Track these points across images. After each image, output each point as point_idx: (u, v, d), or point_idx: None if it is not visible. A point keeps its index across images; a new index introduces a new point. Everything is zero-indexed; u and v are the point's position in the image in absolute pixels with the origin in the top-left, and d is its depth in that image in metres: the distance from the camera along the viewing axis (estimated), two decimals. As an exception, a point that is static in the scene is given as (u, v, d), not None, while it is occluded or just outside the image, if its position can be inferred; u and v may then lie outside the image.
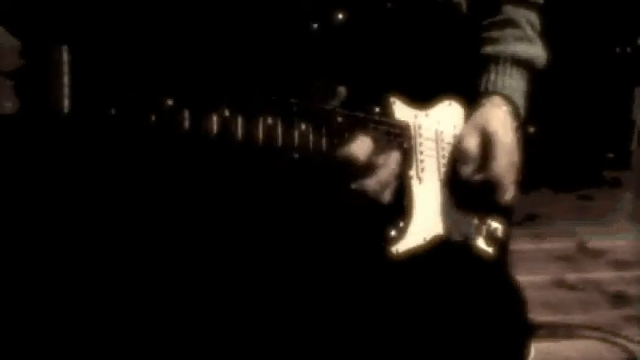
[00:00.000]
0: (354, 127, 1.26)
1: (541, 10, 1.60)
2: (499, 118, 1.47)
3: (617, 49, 4.45)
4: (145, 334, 1.28)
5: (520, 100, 1.53)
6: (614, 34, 4.44)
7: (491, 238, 1.51)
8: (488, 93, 1.51)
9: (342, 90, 1.27)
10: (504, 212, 1.54)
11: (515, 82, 1.52)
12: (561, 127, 4.32)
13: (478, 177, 1.43)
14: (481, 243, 1.50)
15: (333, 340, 1.36)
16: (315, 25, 1.30)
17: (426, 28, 1.47)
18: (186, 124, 1.05)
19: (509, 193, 1.46)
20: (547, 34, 1.61)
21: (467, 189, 1.45)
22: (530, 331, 1.56)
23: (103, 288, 1.27)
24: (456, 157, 1.45)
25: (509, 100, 1.50)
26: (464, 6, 1.54)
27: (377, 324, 1.37)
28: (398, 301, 1.39)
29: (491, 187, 1.43)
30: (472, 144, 1.44)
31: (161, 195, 1.27)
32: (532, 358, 1.54)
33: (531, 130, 1.66)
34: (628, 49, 4.44)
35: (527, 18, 1.57)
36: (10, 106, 0.91)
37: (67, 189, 1.24)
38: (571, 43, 4.08)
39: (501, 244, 1.54)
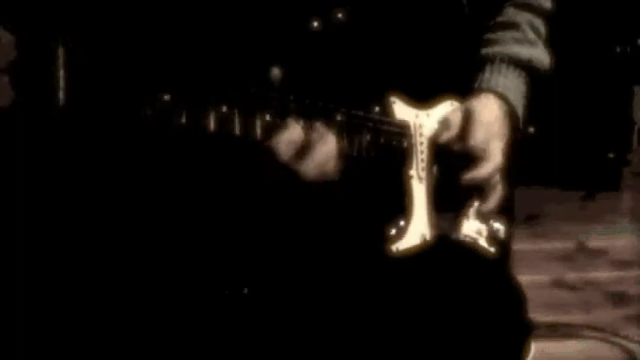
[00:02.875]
0: (353, 125, 1.26)
1: (547, 17, 1.60)
2: (484, 104, 1.48)
3: (617, 49, 4.44)
4: (140, 328, 1.28)
5: (515, 99, 1.52)
6: (614, 34, 4.44)
7: (493, 238, 1.51)
8: (481, 90, 1.51)
9: (276, 71, 1.26)
10: (505, 212, 1.53)
11: (509, 82, 1.51)
12: (561, 126, 4.31)
13: (458, 145, 1.44)
14: (483, 243, 1.50)
15: (331, 338, 1.36)
16: (316, 24, 1.30)
17: (428, 27, 1.47)
18: (183, 119, 1.05)
19: (490, 170, 1.45)
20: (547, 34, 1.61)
21: (456, 170, 1.44)
22: (530, 330, 1.56)
23: (99, 282, 1.27)
24: (439, 129, 1.44)
25: (501, 96, 1.50)
26: (466, 7, 1.54)
27: (376, 323, 1.37)
28: (398, 300, 1.39)
29: (471, 158, 1.44)
30: (454, 117, 1.45)
31: (156, 189, 1.27)
32: (532, 358, 1.54)
33: (531, 130, 1.66)
34: (628, 49, 4.44)
35: (531, 22, 1.56)
36: (4, 99, 0.90)
37: (61, 182, 1.24)
38: (571, 42, 4.08)
39: (503, 245, 1.53)
